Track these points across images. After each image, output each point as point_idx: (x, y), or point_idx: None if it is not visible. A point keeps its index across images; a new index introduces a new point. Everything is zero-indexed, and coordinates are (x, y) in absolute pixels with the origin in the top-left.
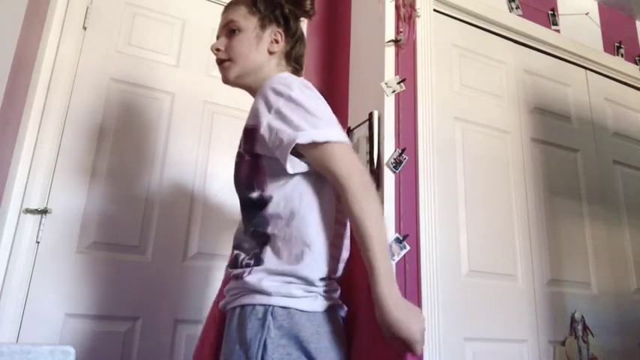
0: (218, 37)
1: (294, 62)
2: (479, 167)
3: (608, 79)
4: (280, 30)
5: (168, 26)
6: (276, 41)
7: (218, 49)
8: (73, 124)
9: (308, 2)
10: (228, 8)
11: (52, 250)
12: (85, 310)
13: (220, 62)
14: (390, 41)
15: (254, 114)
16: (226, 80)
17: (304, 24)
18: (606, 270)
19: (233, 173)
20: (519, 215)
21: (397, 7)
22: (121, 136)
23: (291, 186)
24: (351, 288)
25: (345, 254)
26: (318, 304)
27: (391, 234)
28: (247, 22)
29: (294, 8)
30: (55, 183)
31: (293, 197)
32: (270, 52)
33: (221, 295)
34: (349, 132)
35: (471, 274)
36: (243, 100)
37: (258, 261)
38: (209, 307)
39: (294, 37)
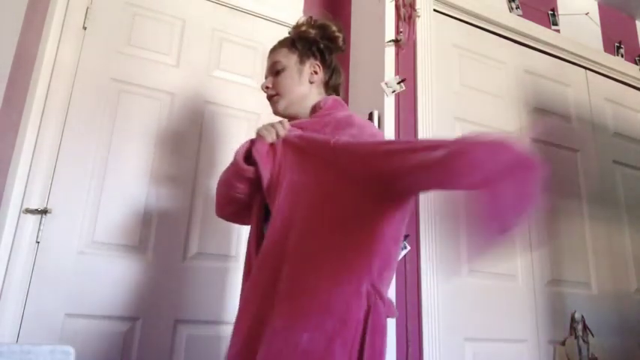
0: (266, 77)
1: (333, 91)
2: None
3: (608, 79)
4: (318, 62)
5: (168, 26)
6: (315, 72)
7: (267, 87)
8: (73, 124)
9: (340, 40)
10: (273, 51)
11: (52, 250)
12: (85, 310)
13: (270, 97)
14: (390, 41)
15: None
16: (276, 112)
17: None
18: (606, 270)
19: None
20: None
21: (397, 7)
22: (120, 136)
23: None
24: None
25: None
26: None
27: None
28: (289, 60)
29: (328, 43)
30: (55, 183)
31: None
32: (311, 82)
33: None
34: None
35: (471, 274)
36: (243, 100)
37: None
38: (209, 307)
39: (330, 67)
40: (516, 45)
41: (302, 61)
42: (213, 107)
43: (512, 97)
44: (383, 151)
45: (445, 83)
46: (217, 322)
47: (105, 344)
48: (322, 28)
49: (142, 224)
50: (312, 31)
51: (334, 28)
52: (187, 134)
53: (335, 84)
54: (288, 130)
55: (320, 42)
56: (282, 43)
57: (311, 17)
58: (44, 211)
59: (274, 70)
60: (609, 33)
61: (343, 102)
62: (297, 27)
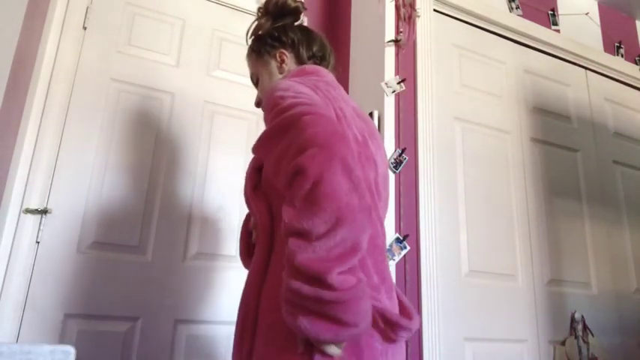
0: None
1: (320, 61)
2: (479, 167)
3: (608, 79)
4: (279, 50)
5: (168, 26)
6: (282, 61)
7: (258, 102)
8: (73, 124)
9: (289, 1)
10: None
11: (52, 250)
12: (85, 310)
13: (260, 107)
14: (390, 41)
15: None
16: None
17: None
18: (606, 270)
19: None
20: (519, 215)
21: (397, 7)
22: (121, 136)
23: None
24: None
25: None
26: None
27: (391, 234)
28: (255, 67)
29: (281, 21)
30: (55, 183)
31: None
32: (282, 72)
33: None
34: None
35: (471, 274)
36: (243, 100)
37: None
38: (209, 307)
39: (293, 45)
40: (516, 45)
41: (265, 61)
42: (213, 107)
43: (512, 97)
44: None
45: (445, 83)
46: (217, 322)
47: (105, 344)
48: (266, 8)
49: (141, 224)
50: (263, 20)
51: None
52: (187, 134)
53: (311, 55)
54: None
55: (271, 29)
56: (247, 54)
57: (260, 7)
58: (44, 211)
59: (254, 83)
60: (609, 33)
61: (312, 68)
62: (249, 28)
